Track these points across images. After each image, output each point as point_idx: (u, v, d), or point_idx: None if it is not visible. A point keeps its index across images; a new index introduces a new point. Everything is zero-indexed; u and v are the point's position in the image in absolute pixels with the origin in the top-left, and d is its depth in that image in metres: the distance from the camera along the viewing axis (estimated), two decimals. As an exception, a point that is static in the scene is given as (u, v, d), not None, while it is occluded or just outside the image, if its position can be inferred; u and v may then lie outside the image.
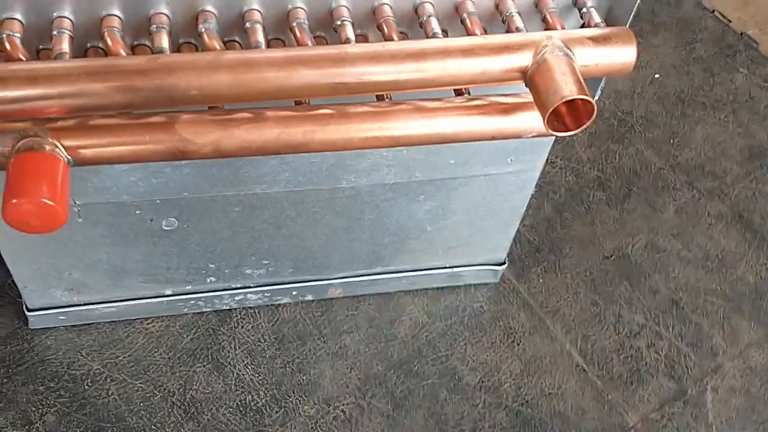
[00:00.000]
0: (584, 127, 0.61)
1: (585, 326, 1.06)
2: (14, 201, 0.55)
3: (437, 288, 1.05)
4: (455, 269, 1.03)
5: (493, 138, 0.68)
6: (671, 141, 1.31)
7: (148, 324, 0.97)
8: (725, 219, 1.21)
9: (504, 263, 1.05)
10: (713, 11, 1.54)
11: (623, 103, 1.35)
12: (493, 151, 0.85)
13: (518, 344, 1.03)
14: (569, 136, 0.63)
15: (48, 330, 0.94)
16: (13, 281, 0.90)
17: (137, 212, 0.82)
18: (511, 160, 0.87)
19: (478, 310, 1.04)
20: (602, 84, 0.73)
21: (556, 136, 0.64)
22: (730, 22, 1.53)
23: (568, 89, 0.59)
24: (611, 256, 1.14)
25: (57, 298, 0.92)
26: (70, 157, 0.59)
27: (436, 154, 0.83)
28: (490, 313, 1.05)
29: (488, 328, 1.03)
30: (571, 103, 0.61)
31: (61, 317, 0.94)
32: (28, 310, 0.93)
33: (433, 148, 0.82)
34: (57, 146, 0.59)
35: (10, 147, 0.58)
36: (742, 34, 1.51)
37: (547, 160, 1.12)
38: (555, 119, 0.62)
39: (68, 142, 0.59)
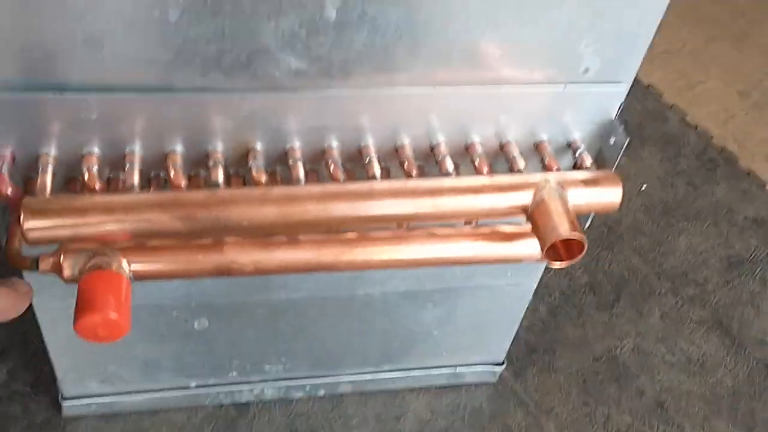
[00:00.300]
0: (577, 259, 0.71)
1: (576, 425, 1.13)
2: (85, 315, 0.64)
3: (440, 386, 1.13)
4: (458, 369, 1.10)
5: (497, 262, 0.78)
6: (657, 249, 1.41)
7: (171, 415, 1.04)
8: (706, 325, 1.30)
9: (503, 363, 1.13)
10: (696, 127, 1.67)
11: (612, 213, 1.46)
12: (496, 266, 0.95)
13: (515, 441, 1.10)
14: (564, 266, 0.72)
15: (80, 418, 1.01)
16: (50, 370, 0.98)
17: (174, 313, 0.90)
18: (510, 273, 0.97)
19: (477, 408, 1.12)
20: (592, 215, 0.83)
21: (553, 267, 0.73)
22: (712, 137, 1.66)
23: (563, 229, 0.69)
24: (601, 358, 1.22)
25: (91, 388, 0.99)
26: (132, 274, 0.68)
27: (445, 267, 0.92)
28: (489, 411, 1.12)
29: (487, 426, 1.10)
30: (565, 240, 0.70)
31: (93, 406, 1.01)
32: (63, 398, 1.00)
33: (442, 262, 0.91)
34: (121, 265, 0.68)
35: (82, 265, 0.67)
36: (722, 149, 1.64)
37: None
38: (551, 251, 0.71)
39: (131, 261, 0.68)
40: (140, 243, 0.69)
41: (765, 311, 1.34)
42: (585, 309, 1.29)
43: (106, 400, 1.00)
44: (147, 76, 0.65)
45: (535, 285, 1.00)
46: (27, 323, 1.00)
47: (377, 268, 0.75)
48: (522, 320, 1.21)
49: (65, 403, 1.00)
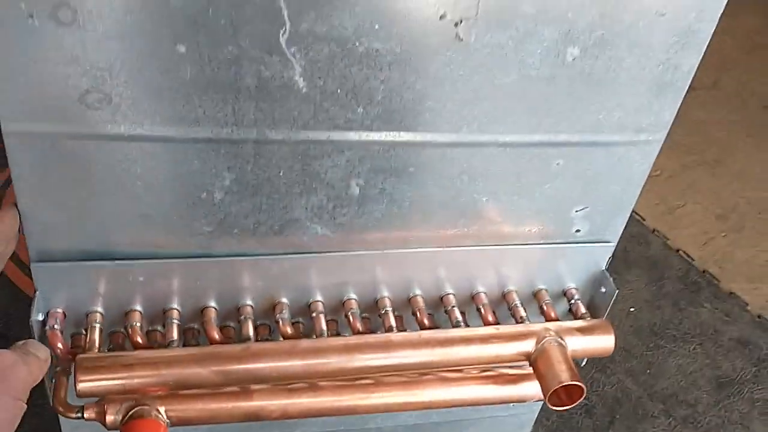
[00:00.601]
0: (576, 402, 0.78)
1: None
2: (123, 462, 0.69)
3: None
4: (462, 496, 1.14)
5: (503, 402, 0.84)
6: (647, 371, 1.47)
7: None
8: (700, 447, 1.35)
9: (505, 490, 1.17)
10: (678, 250, 1.77)
11: (604, 335, 1.53)
12: (498, 398, 1.01)
13: None
14: (565, 410, 0.79)
15: None
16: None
17: (195, 450, 0.95)
18: (512, 405, 1.02)
19: None
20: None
21: (555, 410, 0.80)
22: (693, 260, 1.75)
23: (564, 376, 0.76)
24: (600, 483, 1.26)
25: None
26: (168, 421, 0.74)
27: (451, 402, 0.98)
28: None
29: None
30: (567, 388, 0.77)
31: None
32: None
33: (448, 398, 0.97)
34: (159, 412, 0.73)
35: (124, 414, 0.72)
36: (704, 271, 1.73)
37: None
38: (554, 396, 0.78)
39: (168, 409, 0.74)
40: (177, 393, 0.75)
41: (755, 431, 1.39)
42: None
43: None
44: (189, 245, 0.73)
45: (536, 415, 1.06)
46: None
47: (394, 411, 0.81)
48: (522, 445, 1.26)
49: None
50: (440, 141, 0.71)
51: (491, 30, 0.64)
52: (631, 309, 1.60)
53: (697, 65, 0.72)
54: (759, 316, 1.63)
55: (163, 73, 0.61)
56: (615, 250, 1.72)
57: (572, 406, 0.78)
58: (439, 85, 0.67)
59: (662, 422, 1.38)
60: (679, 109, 0.74)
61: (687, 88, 0.74)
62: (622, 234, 1.82)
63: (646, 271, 1.70)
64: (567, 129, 0.73)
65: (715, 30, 0.69)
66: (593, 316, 0.87)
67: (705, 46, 0.70)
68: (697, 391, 1.45)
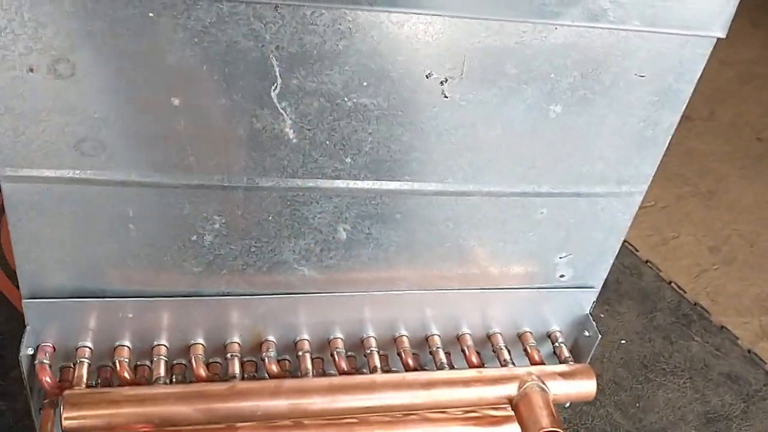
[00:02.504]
0: (556, 447, 0.79)
1: None
2: (112, 497, 0.71)
3: None
4: None
5: (486, 443, 0.85)
6: (636, 404, 1.48)
7: None
8: (686, 483, 1.36)
9: None
10: (670, 282, 1.78)
11: (594, 366, 1.53)
12: (483, 434, 1.02)
13: None
14: (544, 453, 0.80)
15: None
16: None
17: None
18: (497, 441, 1.04)
19: None
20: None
21: (534, 453, 0.81)
22: (685, 292, 1.76)
23: (544, 422, 0.77)
24: None
25: None
26: (154, 457, 0.75)
27: (436, 438, 1.00)
28: None
29: None
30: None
31: None
32: None
33: (433, 434, 0.98)
34: (145, 448, 0.75)
35: (110, 448, 0.74)
36: (696, 304, 1.74)
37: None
38: (534, 441, 0.79)
39: (154, 444, 0.75)
40: (161, 429, 0.76)
41: (741, 469, 1.40)
42: (568, 467, 1.35)
43: None
44: (179, 284, 0.75)
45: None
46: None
47: (376, 450, 0.83)
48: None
49: None
50: (426, 190, 0.73)
51: (475, 88, 0.66)
52: (622, 341, 1.61)
53: (677, 122, 0.74)
54: (749, 351, 1.64)
55: (157, 123, 0.63)
56: (607, 281, 1.72)
57: (551, 450, 0.79)
58: (425, 138, 0.69)
59: (649, 457, 1.39)
60: (674, 139, 0.76)
61: (667, 143, 0.75)
62: (614, 265, 1.82)
63: (638, 302, 1.71)
64: (550, 180, 0.75)
65: (713, 60, 0.71)
66: (577, 359, 0.88)
67: (684, 105, 0.72)
68: (685, 426, 1.46)
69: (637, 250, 1.85)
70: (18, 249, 0.69)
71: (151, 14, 0.57)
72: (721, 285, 1.80)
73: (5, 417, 1.21)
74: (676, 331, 1.66)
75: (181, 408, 0.73)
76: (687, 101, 0.72)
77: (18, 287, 0.72)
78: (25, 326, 0.73)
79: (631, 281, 1.76)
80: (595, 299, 0.88)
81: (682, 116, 0.74)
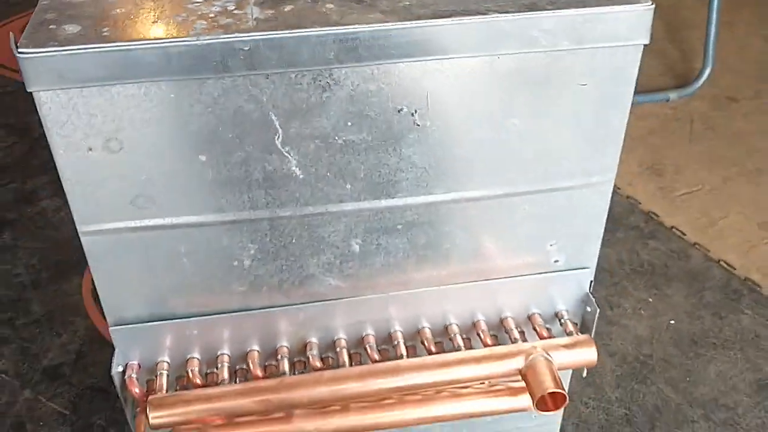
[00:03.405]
0: (561, 408, 0.91)
1: None
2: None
3: None
4: (506, 504, 1.27)
5: (505, 413, 0.98)
6: (687, 379, 1.56)
7: None
8: (739, 447, 1.42)
9: (545, 496, 1.29)
10: (719, 261, 1.84)
11: (644, 348, 1.62)
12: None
13: None
14: (552, 414, 0.92)
15: None
16: None
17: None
18: (534, 416, 1.16)
19: None
20: (584, 372, 1.03)
21: (543, 414, 0.93)
22: (735, 269, 1.82)
23: (548, 385, 0.89)
24: (640, 485, 1.36)
25: None
26: (226, 445, 0.92)
27: (476, 419, 1.13)
28: None
29: None
30: (552, 395, 0.91)
31: None
32: None
33: (472, 414, 1.12)
34: (218, 439, 0.92)
35: (191, 441, 0.91)
36: (746, 279, 1.79)
37: (580, 401, 1.40)
38: (541, 403, 0.92)
39: (225, 436, 0.92)
40: (230, 421, 0.93)
41: (796, 430, 1.45)
42: (622, 440, 1.44)
43: None
44: (230, 303, 0.92)
45: (558, 425, 1.19)
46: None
47: (413, 425, 0.97)
48: (564, 455, 1.38)
49: None
50: (417, 203, 0.87)
51: (440, 114, 0.80)
52: (671, 322, 1.69)
53: (626, 119, 0.86)
54: (802, 319, 1.68)
55: (191, 177, 0.81)
56: (654, 265, 1.80)
57: (558, 411, 0.92)
58: (406, 160, 0.83)
59: (701, 426, 1.46)
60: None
61: (623, 137, 0.87)
62: (662, 251, 1.90)
63: (687, 284, 1.78)
64: (524, 181, 0.88)
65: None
66: (583, 333, 1.00)
67: (629, 104, 0.84)
68: (737, 395, 1.52)
69: (685, 234, 1.92)
70: (101, 288, 0.88)
71: (172, 95, 0.74)
72: (773, 258, 1.85)
73: (119, 438, 1.41)
74: (726, 306, 1.72)
75: (242, 401, 0.90)
76: (630, 101, 0.84)
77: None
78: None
79: (679, 265, 1.83)
80: (592, 278, 0.99)
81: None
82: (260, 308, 0.93)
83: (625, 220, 1.95)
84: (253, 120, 0.78)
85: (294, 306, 0.94)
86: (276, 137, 0.79)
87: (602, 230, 0.96)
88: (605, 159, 0.88)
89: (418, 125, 0.81)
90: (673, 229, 1.93)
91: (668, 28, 2.77)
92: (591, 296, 1.00)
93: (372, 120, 0.80)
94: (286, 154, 0.81)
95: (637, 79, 0.82)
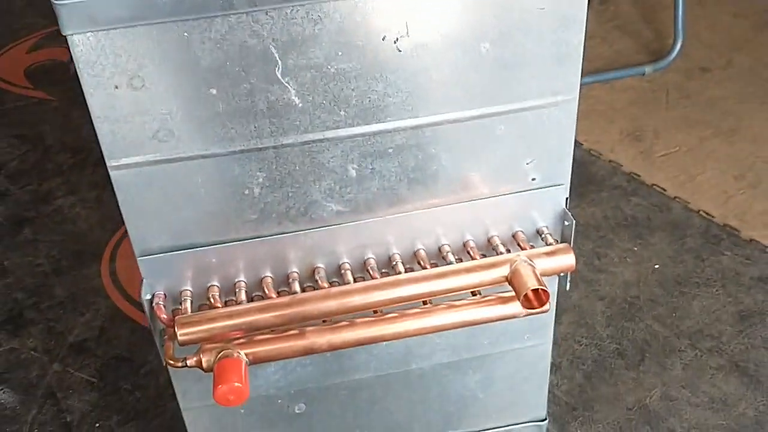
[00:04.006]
0: (545, 305, 1.02)
1: (617, 463, 1.36)
2: (221, 386, 0.98)
3: (498, 445, 1.39)
4: (508, 428, 1.37)
5: (500, 320, 1.08)
6: (673, 314, 1.66)
7: (288, 491, 1.33)
8: (725, 370, 1.52)
9: (545, 419, 1.39)
10: (699, 211, 1.95)
11: (631, 290, 1.73)
12: (515, 332, 1.24)
13: (565, 481, 1.34)
14: (539, 312, 1.03)
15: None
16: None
17: (279, 401, 1.23)
18: (527, 336, 1.26)
19: (531, 458, 1.37)
20: (569, 277, 1.14)
21: (532, 313, 1.04)
22: (714, 217, 1.93)
23: (531, 282, 1.00)
24: (633, 408, 1.46)
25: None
26: (247, 359, 1.02)
27: (474, 338, 1.23)
28: (540, 459, 1.37)
29: (540, 471, 1.35)
30: (536, 292, 1.01)
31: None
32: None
33: (470, 334, 1.22)
34: (239, 353, 1.02)
35: (215, 357, 1.01)
36: (725, 225, 1.90)
37: (574, 340, 1.51)
38: (526, 301, 1.02)
39: (245, 351, 1.02)
40: (251, 339, 1.04)
41: (777, 352, 1.55)
42: (615, 371, 1.54)
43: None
44: (243, 231, 1.02)
45: (550, 347, 1.29)
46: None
47: (414, 335, 1.07)
48: (561, 385, 1.48)
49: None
50: (405, 126, 0.99)
51: (419, 41, 0.92)
52: (656, 266, 1.79)
53: (584, 39, 0.97)
54: (779, 256, 1.78)
55: (204, 109, 0.92)
56: (637, 218, 1.92)
57: (543, 307, 1.02)
58: (393, 85, 0.95)
59: (689, 354, 1.56)
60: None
61: (582, 56, 0.99)
62: (644, 205, 2.02)
63: (669, 232, 1.88)
64: (497, 102, 0.99)
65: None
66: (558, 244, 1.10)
67: (584, 24, 0.96)
68: (721, 325, 1.63)
69: (665, 190, 2.03)
70: (128, 220, 0.98)
71: (185, 34, 0.86)
72: (749, 206, 1.96)
73: (140, 402, 1.52)
74: (707, 250, 1.83)
75: (260, 316, 1.00)
76: (585, 21, 0.95)
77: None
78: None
79: (661, 217, 1.94)
80: (567, 195, 1.10)
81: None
82: (271, 235, 1.03)
83: (608, 181, 2.07)
84: (256, 54, 0.89)
85: (301, 232, 1.04)
86: (276, 69, 0.91)
87: (572, 148, 1.07)
88: (568, 77, 0.99)
89: (400, 51, 0.92)
90: (654, 187, 2.04)
91: (642, 10, 2.90)
92: (567, 212, 1.10)
93: (360, 49, 0.91)
94: (286, 84, 0.92)
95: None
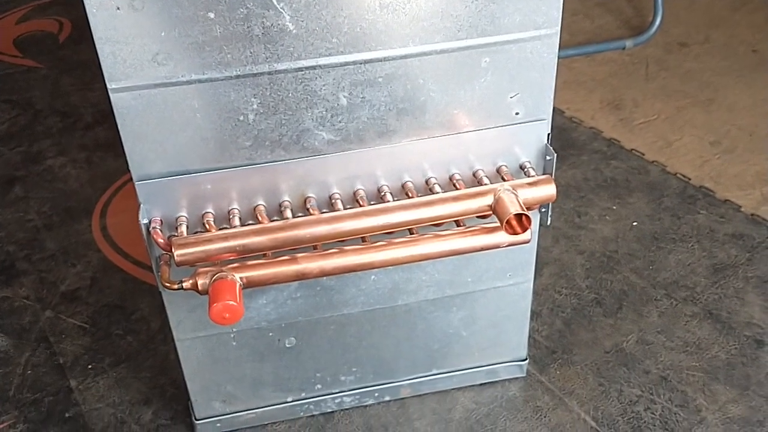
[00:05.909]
0: (528, 230, 1.06)
1: (595, 400, 1.41)
2: (216, 304, 1.02)
3: (480, 384, 1.43)
4: (491, 367, 1.42)
5: (483, 249, 1.13)
6: (650, 267, 1.71)
7: (275, 427, 1.38)
8: (698, 317, 1.58)
9: (526, 359, 1.44)
10: (676, 174, 2.01)
11: (610, 245, 1.78)
12: (497, 270, 1.29)
13: (545, 417, 1.38)
14: (522, 241, 1.07)
15: (210, 434, 1.36)
16: (183, 408, 1.33)
17: (270, 334, 1.27)
18: (509, 275, 1.31)
19: (512, 396, 1.42)
20: (550, 209, 1.18)
21: (514, 241, 1.08)
22: (690, 179, 1.98)
23: (514, 208, 1.05)
24: (611, 351, 1.51)
25: (215, 409, 1.34)
26: (241, 282, 1.06)
27: (458, 275, 1.27)
28: (521, 397, 1.42)
29: (521, 408, 1.40)
30: (518, 218, 1.06)
31: (218, 425, 1.36)
32: (196, 419, 1.35)
33: (454, 269, 1.26)
34: (234, 276, 1.06)
35: (210, 279, 1.05)
36: (701, 186, 1.96)
37: (554, 290, 1.56)
38: (510, 227, 1.07)
39: (240, 275, 1.06)
40: (244, 263, 1.07)
41: (749, 301, 1.61)
42: (593, 318, 1.59)
43: (227, 417, 1.35)
44: (238, 158, 1.06)
45: (531, 285, 1.33)
46: (164, 376, 1.39)
47: (402, 263, 1.11)
48: (542, 330, 1.53)
49: (198, 424, 1.35)
50: (395, 55, 1.03)
51: (408, -31, 0.96)
52: (634, 223, 1.85)
53: (565, -27, 1.02)
54: (752, 215, 1.85)
55: (203, 33, 0.95)
56: (616, 180, 1.97)
57: (525, 233, 1.07)
58: (383, 13, 0.99)
59: (664, 303, 1.62)
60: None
61: (563, -10, 1.03)
62: (623, 168, 2.07)
63: (647, 193, 1.94)
64: (483, 33, 1.04)
65: None
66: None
67: (565, -40, 1.00)
68: (695, 277, 1.68)
69: (644, 154, 2.09)
70: (127, 144, 1.02)
71: (185, -45, 0.90)
72: (724, 169, 2.03)
73: (132, 345, 1.55)
74: (683, 209, 1.89)
75: (254, 239, 1.04)
76: (566, -44, 1.00)
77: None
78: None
79: (639, 178, 2.00)
80: (549, 131, 1.15)
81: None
82: (264, 162, 1.07)
83: (589, 146, 2.12)
84: (252, -22, 0.93)
85: (294, 160, 1.08)
86: (272, -6, 0.95)
87: (554, 83, 1.12)
88: (551, 11, 1.04)
89: (391, -20, 0.97)
90: (633, 151, 2.10)
91: (623, -11, 2.97)
92: (549, 146, 1.15)
93: (351, -23, 0.95)
94: (281, 10, 0.96)
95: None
